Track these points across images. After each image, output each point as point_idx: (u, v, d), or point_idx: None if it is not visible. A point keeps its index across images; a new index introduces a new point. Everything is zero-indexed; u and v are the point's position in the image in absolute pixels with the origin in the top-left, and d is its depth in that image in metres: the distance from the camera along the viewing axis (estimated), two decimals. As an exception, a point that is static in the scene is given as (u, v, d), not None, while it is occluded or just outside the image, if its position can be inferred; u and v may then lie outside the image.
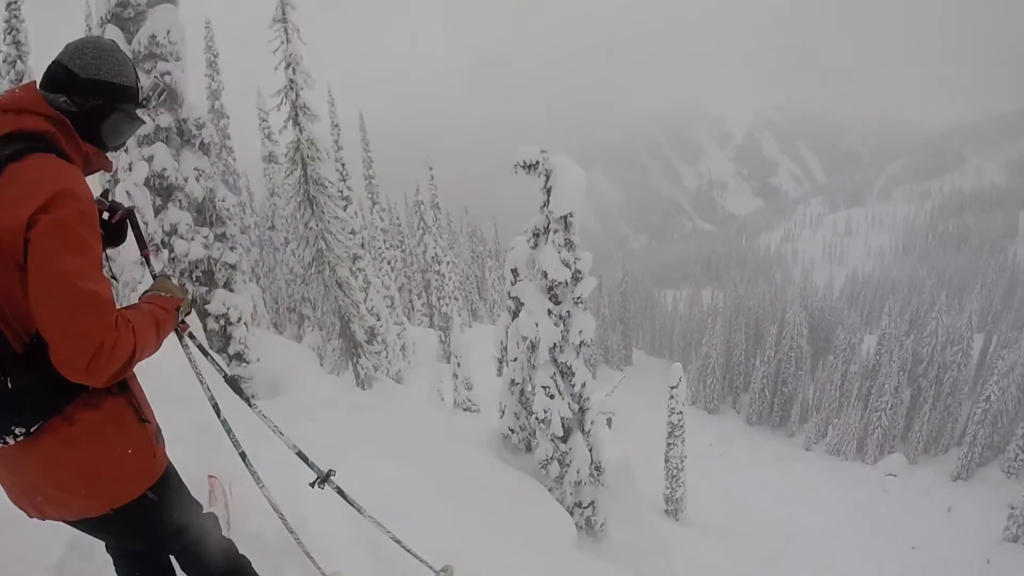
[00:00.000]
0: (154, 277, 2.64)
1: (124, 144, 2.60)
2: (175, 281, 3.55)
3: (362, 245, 24.61)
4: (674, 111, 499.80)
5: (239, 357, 11.14)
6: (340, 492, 3.85)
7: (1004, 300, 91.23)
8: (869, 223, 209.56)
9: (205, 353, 3.21)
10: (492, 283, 58.42)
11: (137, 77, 2.24)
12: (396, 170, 64.67)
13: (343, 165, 25.51)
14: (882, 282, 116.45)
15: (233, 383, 3.31)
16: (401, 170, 61.48)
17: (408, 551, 4.27)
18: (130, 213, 2.66)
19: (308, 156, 14.75)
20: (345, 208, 24.57)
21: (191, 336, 3.03)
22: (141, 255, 2.93)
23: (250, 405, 3.44)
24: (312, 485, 3.71)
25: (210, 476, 4.42)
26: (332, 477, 3.74)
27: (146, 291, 2.46)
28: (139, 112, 2.29)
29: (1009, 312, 77.28)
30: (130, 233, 2.70)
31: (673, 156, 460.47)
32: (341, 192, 24.80)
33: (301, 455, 3.72)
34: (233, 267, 10.98)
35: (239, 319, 10.96)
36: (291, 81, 13.89)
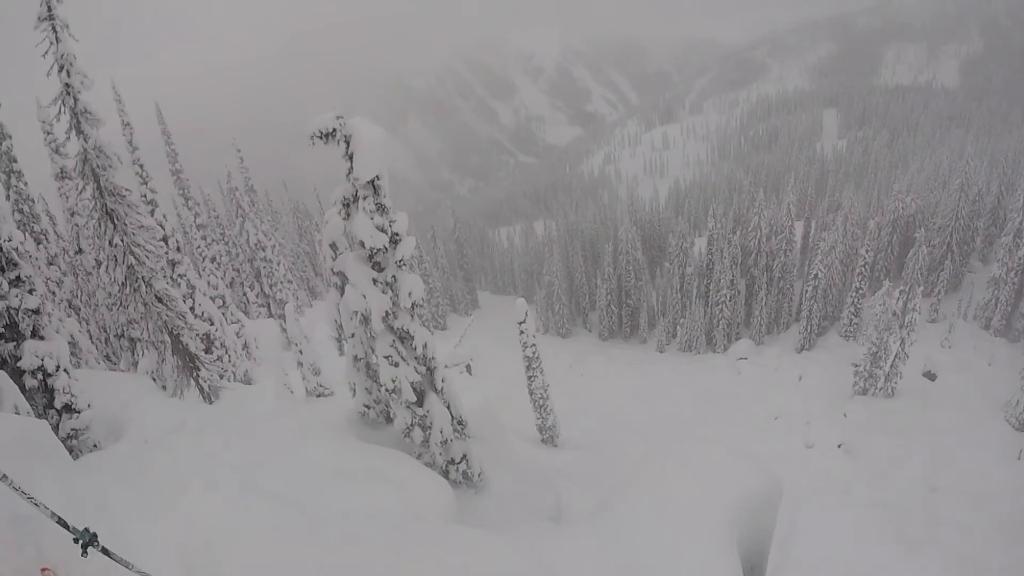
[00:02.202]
0: None
1: None
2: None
3: (178, 248, 23.35)
4: (481, 50, 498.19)
5: (69, 409, 10.29)
6: (105, 552, 3.99)
7: (817, 188, 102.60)
8: (685, 136, 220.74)
9: None
10: (325, 257, 56.71)
11: None
12: (208, 157, 61.21)
13: (142, 167, 23.67)
14: (703, 187, 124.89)
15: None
16: (213, 157, 58.27)
17: None
18: None
19: (98, 166, 13.40)
20: (152, 213, 23.18)
21: None
22: None
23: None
24: (83, 553, 3.82)
25: (43, 569, 4.24)
26: (96, 541, 3.89)
27: None
28: None
29: (823, 199, 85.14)
30: None
31: (487, 95, 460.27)
32: (144, 196, 23.26)
33: (61, 522, 3.80)
34: (36, 312, 9.97)
35: (58, 367, 10.08)
36: (67, 85, 12.48)
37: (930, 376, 41.48)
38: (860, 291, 51.13)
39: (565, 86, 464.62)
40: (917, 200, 62.51)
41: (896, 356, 37.36)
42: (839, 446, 33.52)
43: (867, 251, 49.56)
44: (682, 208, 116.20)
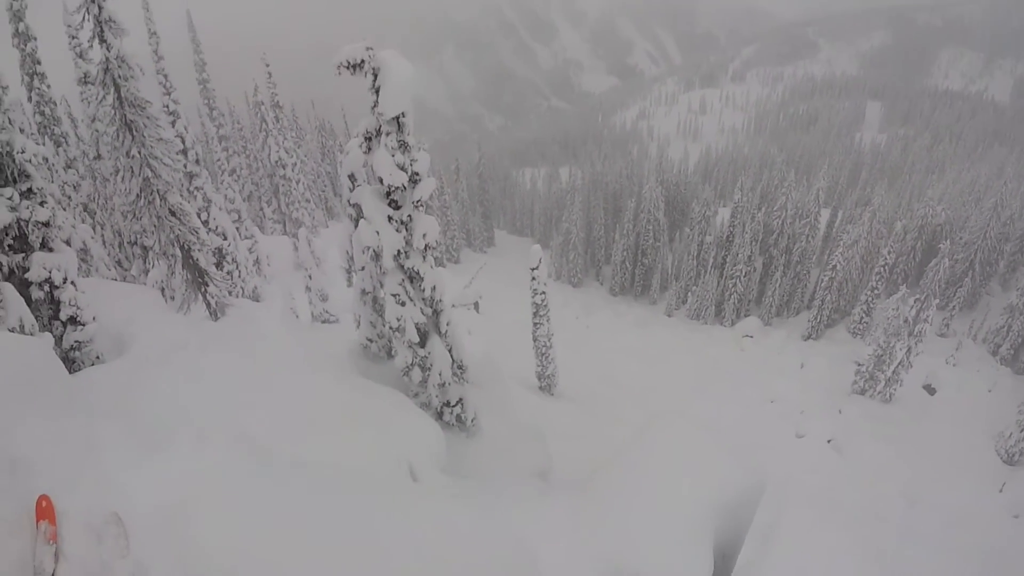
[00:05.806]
0: None
1: None
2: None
3: (197, 161, 23.27)
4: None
5: (74, 321, 10.34)
6: None
7: (849, 179, 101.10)
8: (723, 103, 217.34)
9: None
10: (342, 185, 56.71)
11: None
12: (236, 68, 60.43)
13: (166, 76, 23.27)
14: (735, 158, 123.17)
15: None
16: (242, 67, 57.49)
17: None
18: None
19: (120, 76, 12.63)
20: (173, 124, 23.06)
21: None
22: None
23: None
24: None
25: (42, 497, 4.11)
26: None
27: None
28: None
29: (854, 190, 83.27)
30: None
31: (527, 36, 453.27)
32: (166, 107, 23.05)
33: None
34: (47, 224, 9.93)
35: (65, 280, 10.09)
36: (92, -8, 11.85)
37: (930, 390, 40.88)
38: (876, 291, 50.28)
39: (607, 35, 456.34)
40: (948, 211, 61.00)
41: (900, 363, 36.85)
42: (829, 441, 33.41)
43: (889, 252, 48.44)
44: (710, 176, 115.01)
